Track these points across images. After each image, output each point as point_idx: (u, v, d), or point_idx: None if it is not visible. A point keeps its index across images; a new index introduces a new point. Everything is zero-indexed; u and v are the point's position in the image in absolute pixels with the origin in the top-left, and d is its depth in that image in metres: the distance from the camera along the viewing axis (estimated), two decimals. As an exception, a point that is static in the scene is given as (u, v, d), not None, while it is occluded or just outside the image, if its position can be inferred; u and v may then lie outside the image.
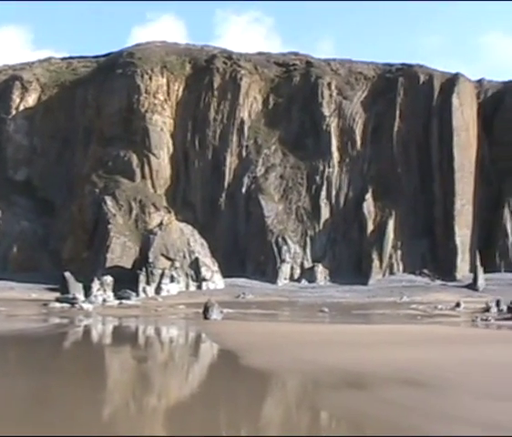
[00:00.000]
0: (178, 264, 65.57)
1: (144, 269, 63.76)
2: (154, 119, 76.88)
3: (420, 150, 76.53)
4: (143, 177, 75.72)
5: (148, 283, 63.21)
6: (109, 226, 70.70)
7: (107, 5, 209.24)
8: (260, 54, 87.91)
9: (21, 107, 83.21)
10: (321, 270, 72.00)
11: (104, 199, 72.99)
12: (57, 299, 52.68)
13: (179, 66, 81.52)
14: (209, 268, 66.93)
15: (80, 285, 56.86)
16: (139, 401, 14.07)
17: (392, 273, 72.51)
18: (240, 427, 11.57)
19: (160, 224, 68.45)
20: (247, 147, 77.49)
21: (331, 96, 79.37)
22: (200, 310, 39.76)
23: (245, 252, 73.11)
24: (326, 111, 78.18)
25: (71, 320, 39.37)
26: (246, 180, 75.77)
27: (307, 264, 72.90)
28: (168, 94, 79.04)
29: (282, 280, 70.71)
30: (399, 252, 73.45)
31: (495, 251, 73.92)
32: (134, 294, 59.22)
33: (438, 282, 69.97)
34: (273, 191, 75.83)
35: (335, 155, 76.90)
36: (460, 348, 22.42)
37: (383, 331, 30.16)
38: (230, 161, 76.79)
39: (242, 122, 78.10)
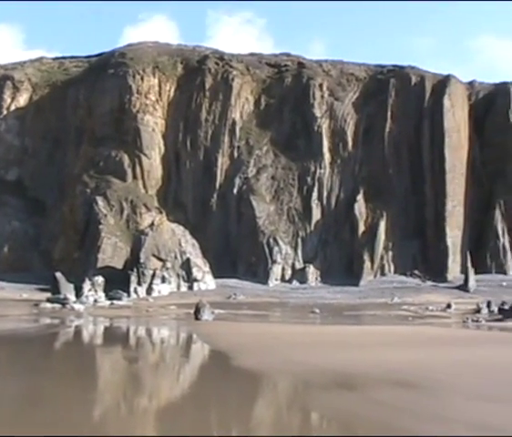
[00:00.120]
0: (169, 265, 65.46)
1: (135, 270, 63.61)
2: (145, 120, 76.73)
3: (411, 151, 76.66)
4: (134, 177, 75.51)
5: (139, 284, 63.04)
6: (100, 226, 70.48)
7: (99, 5, 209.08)
8: (251, 55, 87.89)
9: (12, 107, 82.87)
10: (312, 271, 71.97)
11: (95, 200, 72.76)
12: (48, 300, 52.46)
13: (170, 66, 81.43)
14: (201, 268, 66.85)
15: (71, 285, 56.61)
16: (130, 401, 14.03)
17: (383, 274, 72.58)
18: (231, 427, 11.56)
19: (152, 224, 68.29)
20: (238, 147, 77.44)
21: (322, 97, 79.46)
22: (192, 311, 39.76)
23: (236, 253, 73.01)
24: (318, 112, 78.22)
25: (62, 320, 39.28)
26: (237, 181, 75.71)
27: (298, 265, 72.88)
28: (160, 94, 78.91)
29: (274, 281, 70.63)
30: (390, 253, 73.54)
31: (486, 252, 74.04)
32: (125, 295, 59.00)
33: (429, 283, 70.06)
34: (265, 192, 75.78)
35: (327, 156, 76.95)
36: (451, 349, 22.49)
37: (374, 332, 30.23)
38: (222, 162, 76.71)
39: (234, 123, 78.06)
